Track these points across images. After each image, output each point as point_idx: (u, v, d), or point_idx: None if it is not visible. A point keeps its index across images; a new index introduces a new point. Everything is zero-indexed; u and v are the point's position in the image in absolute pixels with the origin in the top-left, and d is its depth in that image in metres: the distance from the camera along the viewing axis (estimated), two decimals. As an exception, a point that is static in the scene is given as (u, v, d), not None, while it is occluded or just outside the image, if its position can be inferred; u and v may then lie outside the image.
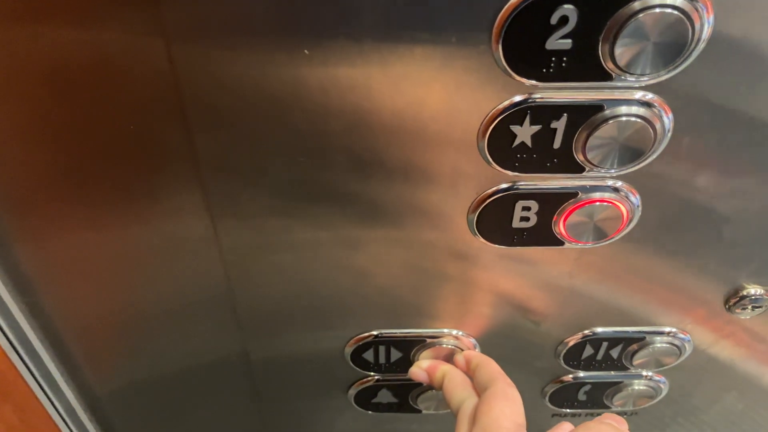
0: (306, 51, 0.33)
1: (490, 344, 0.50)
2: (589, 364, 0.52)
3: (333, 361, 0.53)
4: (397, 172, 0.38)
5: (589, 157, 0.36)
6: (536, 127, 0.35)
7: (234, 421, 0.62)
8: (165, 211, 0.41)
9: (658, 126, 0.35)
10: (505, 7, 0.31)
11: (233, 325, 0.50)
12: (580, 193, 0.39)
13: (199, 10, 0.31)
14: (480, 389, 0.43)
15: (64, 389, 0.53)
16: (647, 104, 0.34)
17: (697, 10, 0.30)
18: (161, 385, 0.56)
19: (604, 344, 0.50)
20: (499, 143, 0.36)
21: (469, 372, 0.46)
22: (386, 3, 0.31)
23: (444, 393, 0.46)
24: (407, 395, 0.55)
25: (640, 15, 0.30)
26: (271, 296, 0.47)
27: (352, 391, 0.55)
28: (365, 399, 0.56)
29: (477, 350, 0.50)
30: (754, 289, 0.46)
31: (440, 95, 0.35)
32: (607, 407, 0.57)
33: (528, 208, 0.40)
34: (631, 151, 0.36)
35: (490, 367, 0.44)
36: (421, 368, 0.49)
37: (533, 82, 0.33)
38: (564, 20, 0.31)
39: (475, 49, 0.33)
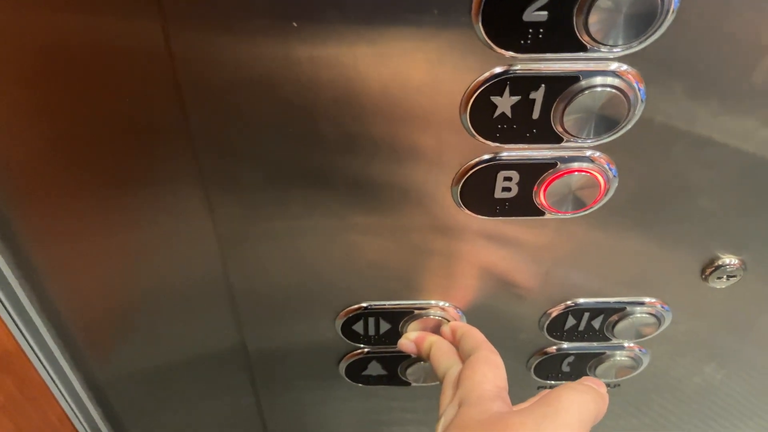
0: (294, 23, 0.34)
1: (475, 316, 0.52)
2: (572, 335, 0.54)
3: (325, 336, 0.54)
4: (384, 144, 0.40)
5: (566, 127, 0.37)
6: (516, 98, 0.37)
7: (230, 405, 0.63)
8: (164, 198, 0.42)
9: (632, 96, 0.36)
10: (484, -20, 0.32)
11: (229, 310, 0.51)
12: (559, 164, 0.40)
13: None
14: (464, 357, 0.44)
15: (64, 366, 0.54)
16: (621, 75, 0.36)
17: (665, -18, 0.32)
18: (160, 370, 0.57)
19: (586, 315, 0.52)
20: (481, 114, 0.38)
21: (455, 342, 0.47)
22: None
23: (431, 362, 0.48)
24: (396, 367, 0.57)
25: (612, -13, 0.32)
26: (265, 276, 0.49)
27: (343, 364, 0.57)
28: (356, 372, 0.58)
29: (463, 321, 0.52)
30: (729, 259, 0.48)
31: (424, 67, 0.36)
32: (590, 379, 0.58)
33: (509, 179, 0.41)
34: (606, 121, 0.37)
35: (474, 335, 0.46)
36: (409, 339, 0.51)
37: (512, 53, 0.35)
38: (539, -8, 0.32)
39: (456, 22, 0.34)
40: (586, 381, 0.41)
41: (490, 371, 0.41)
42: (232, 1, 0.33)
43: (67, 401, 0.55)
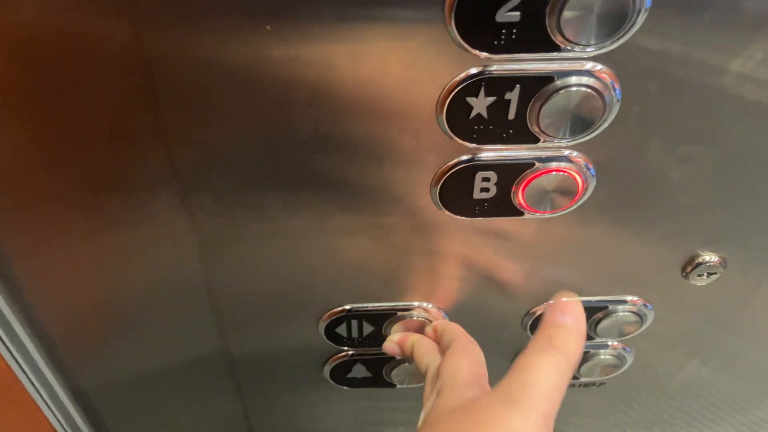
0: (268, 27, 0.34)
1: (458, 316, 0.52)
2: (555, 334, 0.54)
3: (309, 340, 0.54)
4: (362, 146, 0.40)
5: (542, 126, 0.38)
6: (491, 99, 0.37)
7: (217, 409, 0.63)
8: (141, 200, 0.42)
9: (607, 96, 0.36)
10: (456, -20, 0.32)
11: (211, 315, 0.51)
12: (536, 163, 0.40)
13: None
14: (444, 351, 0.44)
15: (47, 373, 0.54)
16: (596, 74, 0.36)
17: (637, -19, 0.32)
18: (144, 376, 0.57)
19: (569, 313, 0.52)
20: (457, 115, 0.38)
21: (437, 339, 0.48)
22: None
23: (414, 361, 0.48)
24: (381, 369, 0.57)
25: (584, -13, 0.32)
26: (246, 281, 0.49)
27: (328, 367, 0.57)
28: (341, 374, 0.57)
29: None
30: (709, 256, 0.48)
31: (399, 68, 0.36)
32: (575, 377, 0.59)
33: (488, 179, 0.41)
34: (582, 121, 0.37)
35: (452, 329, 0.46)
36: (393, 341, 0.51)
37: (486, 54, 0.35)
38: (511, -7, 0.32)
39: (430, 23, 0.34)
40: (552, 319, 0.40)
41: (465, 360, 0.42)
42: (203, 1, 0.33)
43: (50, 409, 0.55)
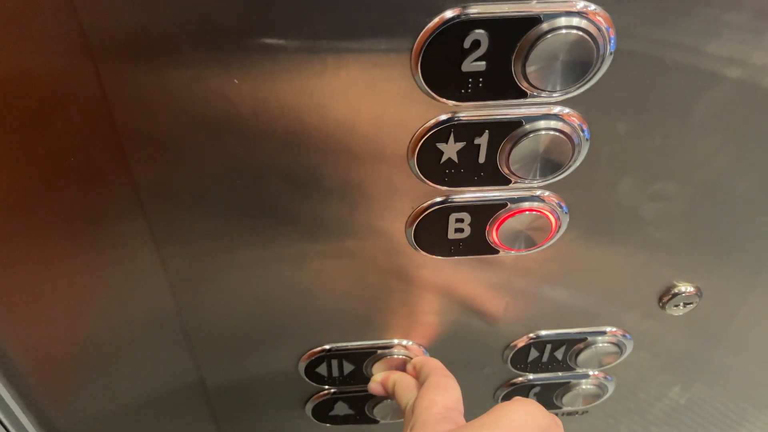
0: (236, 80, 0.34)
1: (439, 352, 0.52)
2: (536, 367, 0.54)
3: (288, 377, 0.54)
4: (334, 191, 0.40)
5: (513, 169, 0.38)
6: (461, 144, 0.37)
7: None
8: (109, 239, 0.42)
9: (575, 138, 0.37)
10: (422, 32, 0.32)
11: (186, 351, 0.51)
12: (509, 204, 0.40)
13: (124, 37, 0.32)
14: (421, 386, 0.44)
15: (19, 415, 0.53)
16: (564, 118, 0.36)
17: (599, 30, 0.32)
18: (120, 412, 0.56)
19: (548, 346, 0.52)
20: (428, 160, 0.38)
21: (416, 375, 0.48)
22: (310, 29, 0.32)
23: (395, 399, 0.48)
24: (363, 406, 0.57)
25: (548, 36, 0.32)
26: (221, 318, 0.48)
27: (309, 405, 0.56)
28: (323, 412, 0.57)
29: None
30: (684, 287, 0.48)
31: (369, 116, 0.36)
32: (557, 407, 0.59)
33: (461, 220, 0.41)
34: (552, 163, 0.38)
35: (429, 365, 0.46)
36: (376, 382, 0.51)
37: (454, 102, 0.35)
38: (476, 44, 0.32)
39: (398, 72, 0.34)
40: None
41: (438, 395, 0.41)
42: (165, 49, 0.33)
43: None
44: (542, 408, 0.37)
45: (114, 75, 0.34)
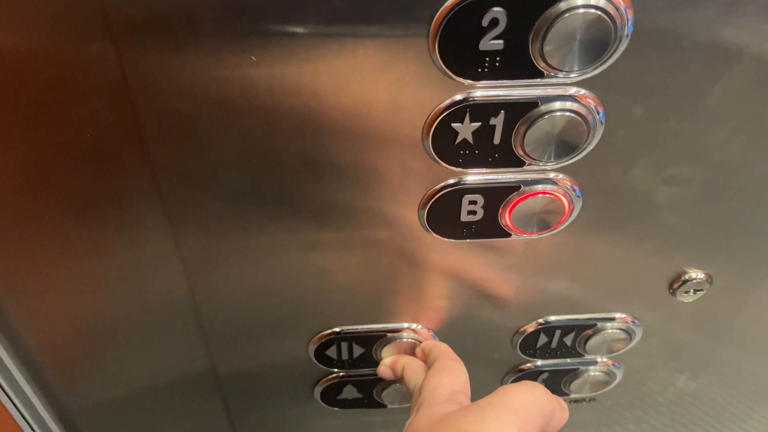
0: (253, 57, 0.34)
1: (448, 337, 0.52)
2: (545, 353, 0.54)
3: (298, 361, 0.54)
4: (348, 172, 0.40)
5: (527, 151, 0.38)
6: (476, 124, 0.37)
7: (205, 428, 0.62)
8: (125, 221, 0.42)
9: (591, 120, 0.37)
10: (440, 10, 0.32)
11: (198, 335, 0.51)
12: (522, 186, 0.40)
13: (144, 15, 0.32)
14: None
15: (33, 399, 0.53)
16: (580, 99, 0.36)
17: (618, 9, 0.32)
18: (131, 397, 0.56)
19: (558, 332, 0.52)
20: (443, 140, 0.38)
21: (425, 359, 0.48)
22: (329, 6, 0.32)
23: (404, 382, 0.48)
24: (372, 390, 0.57)
25: (566, 15, 0.32)
26: (234, 301, 0.48)
27: (318, 389, 0.56)
28: (331, 396, 0.57)
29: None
30: (695, 273, 0.48)
31: (385, 95, 0.36)
32: (565, 394, 0.59)
33: (474, 202, 0.41)
34: (566, 145, 0.38)
35: (438, 348, 0.46)
36: (386, 365, 0.51)
37: (470, 81, 0.35)
38: (494, 22, 0.32)
39: (414, 51, 0.34)
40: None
41: (445, 377, 0.42)
42: (184, 28, 0.33)
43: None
44: (547, 391, 0.38)
45: (133, 53, 0.34)
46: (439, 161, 0.39)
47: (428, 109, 0.37)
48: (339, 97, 0.36)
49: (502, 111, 0.36)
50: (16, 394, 0.51)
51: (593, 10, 0.32)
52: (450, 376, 0.42)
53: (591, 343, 0.53)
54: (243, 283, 0.47)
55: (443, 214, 0.42)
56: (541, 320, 0.51)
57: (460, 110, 0.36)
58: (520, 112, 0.36)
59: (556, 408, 0.38)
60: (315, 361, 0.53)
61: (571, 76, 0.35)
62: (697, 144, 0.40)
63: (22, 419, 0.52)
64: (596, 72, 0.35)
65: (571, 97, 0.36)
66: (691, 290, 0.49)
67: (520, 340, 0.52)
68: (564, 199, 0.41)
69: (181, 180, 0.40)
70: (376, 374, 0.52)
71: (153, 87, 0.35)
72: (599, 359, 0.56)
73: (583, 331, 0.52)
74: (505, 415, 0.35)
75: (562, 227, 0.43)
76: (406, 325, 0.51)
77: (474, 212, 0.42)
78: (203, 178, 0.40)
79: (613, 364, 0.56)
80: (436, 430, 0.36)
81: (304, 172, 0.40)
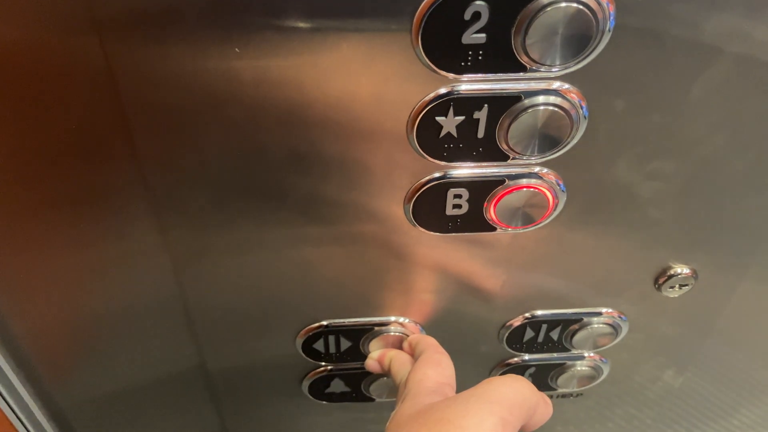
0: (237, 49, 0.34)
1: (435, 330, 0.52)
2: (531, 347, 0.54)
3: (286, 355, 0.54)
4: (334, 165, 0.40)
5: (511, 144, 0.38)
6: (460, 118, 0.37)
7: (194, 424, 0.63)
8: (112, 215, 0.42)
9: (574, 114, 0.37)
10: (422, 4, 0.33)
11: (186, 329, 0.51)
12: (507, 180, 0.41)
13: (129, 8, 0.32)
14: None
15: (23, 394, 0.53)
16: (563, 93, 0.36)
17: (599, 4, 0.32)
18: (121, 392, 0.56)
19: (544, 326, 0.52)
20: (428, 134, 0.38)
21: (412, 353, 0.48)
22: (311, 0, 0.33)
23: (391, 375, 0.48)
24: (359, 384, 0.57)
25: (548, 9, 0.32)
26: (222, 295, 0.49)
27: (306, 382, 0.57)
28: (319, 389, 0.57)
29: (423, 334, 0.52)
30: (680, 268, 0.48)
31: (369, 88, 0.36)
32: (552, 389, 0.59)
33: (459, 196, 0.41)
34: (550, 139, 0.38)
35: (424, 342, 0.47)
36: (373, 359, 0.51)
37: (453, 75, 0.35)
38: (477, 16, 0.33)
39: (398, 45, 0.34)
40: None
41: (431, 369, 0.42)
42: (169, 19, 0.33)
43: (26, 428, 0.54)
44: (531, 385, 0.38)
45: (118, 46, 0.34)
46: (424, 155, 0.39)
47: (412, 103, 0.37)
48: (324, 90, 0.36)
49: (486, 105, 0.37)
50: (7, 390, 0.51)
51: (575, 4, 0.32)
52: (436, 369, 0.42)
53: (577, 337, 0.53)
54: (230, 276, 0.47)
55: (429, 208, 0.42)
56: (527, 314, 0.52)
57: (444, 104, 0.36)
58: (504, 105, 0.37)
59: (540, 402, 0.38)
60: (303, 355, 0.53)
61: (554, 70, 0.35)
62: (680, 138, 0.40)
63: (13, 415, 0.52)
64: (579, 66, 0.35)
65: (555, 92, 0.36)
66: (677, 285, 0.49)
67: (506, 334, 0.53)
68: (548, 194, 0.41)
69: (167, 172, 0.40)
70: (363, 368, 0.52)
71: (139, 80, 0.35)
72: (586, 354, 0.56)
73: (570, 325, 0.52)
74: (488, 406, 0.35)
75: (547, 221, 0.43)
76: (393, 318, 0.51)
77: (459, 206, 0.42)
78: (190, 170, 0.40)
79: (600, 359, 0.57)
80: (419, 419, 0.36)
81: (290, 165, 0.40)
